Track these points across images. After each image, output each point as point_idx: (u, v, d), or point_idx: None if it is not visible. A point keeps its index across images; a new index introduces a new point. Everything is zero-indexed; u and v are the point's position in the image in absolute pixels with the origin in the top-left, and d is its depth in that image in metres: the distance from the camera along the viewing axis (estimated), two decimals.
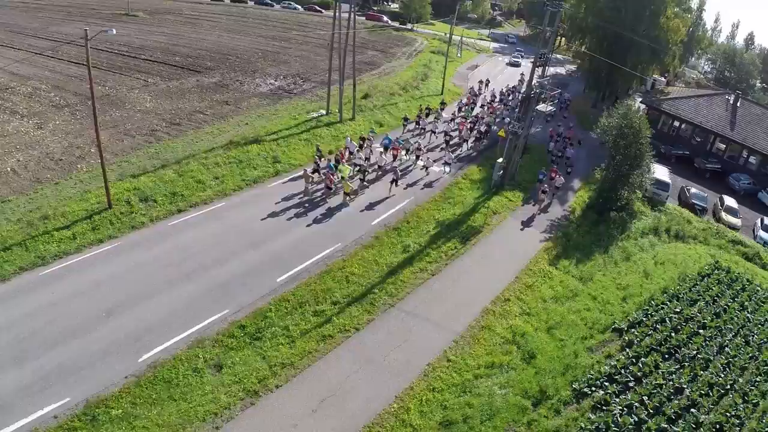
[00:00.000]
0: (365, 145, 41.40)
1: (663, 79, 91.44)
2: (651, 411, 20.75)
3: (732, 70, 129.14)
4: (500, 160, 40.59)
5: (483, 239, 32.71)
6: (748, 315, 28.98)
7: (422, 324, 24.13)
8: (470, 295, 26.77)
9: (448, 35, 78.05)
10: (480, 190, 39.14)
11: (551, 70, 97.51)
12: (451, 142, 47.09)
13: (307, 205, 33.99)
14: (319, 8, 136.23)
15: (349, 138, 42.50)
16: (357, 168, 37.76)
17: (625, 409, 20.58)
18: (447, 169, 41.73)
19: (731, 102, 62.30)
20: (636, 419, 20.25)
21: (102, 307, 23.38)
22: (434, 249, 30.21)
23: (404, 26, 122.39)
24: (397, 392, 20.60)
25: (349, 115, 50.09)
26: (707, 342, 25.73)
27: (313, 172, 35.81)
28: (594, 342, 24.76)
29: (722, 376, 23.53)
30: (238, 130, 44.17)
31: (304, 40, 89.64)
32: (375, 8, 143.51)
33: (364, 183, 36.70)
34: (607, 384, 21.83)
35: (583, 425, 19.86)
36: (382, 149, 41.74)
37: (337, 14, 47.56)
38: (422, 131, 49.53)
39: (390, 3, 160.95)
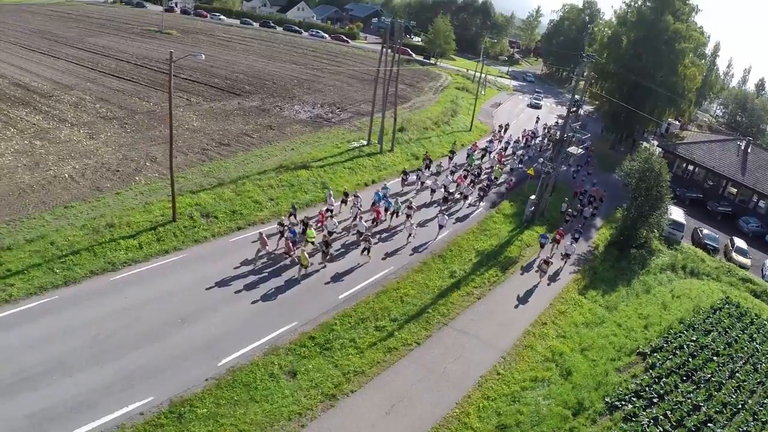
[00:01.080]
0: (350, 203, 39.07)
1: (677, 122, 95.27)
2: (674, 424, 24.05)
3: (743, 115, 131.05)
4: (532, 197, 44.18)
5: (519, 269, 36.21)
6: (757, 346, 32.34)
7: (473, 341, 27.53)
8: (512, 317, 30.22)
9: (470, 71, 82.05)
10: (513, 224, 42.68)
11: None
12: (449, 200, 43.84)
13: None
14: (345, 38, 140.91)
15: (330, 192, 39.45)
16: (326, 236, 33.16)
17: (651, 421, 23.88)
18: (442, 233, 38.85)
19: (742, 148, 65.70)
20: (661, 430, 23.55)
21: (176, 314, 25.71)
22: (478, 275, 33.70)
23: (428, 61, 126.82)
24: (457, 399, 23.83)
25: (388, 146, 53.60)
26: (720, 367, 29.06)
27: (280, 237, 32.81)
28: (621, 363, 28.14)
29: (734, 396, 26.85)
30: (286, 155, 47.45)
31: (335, 70, 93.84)
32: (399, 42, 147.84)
33: (327, 255, 32.03)
34: (634, 399, 25.17)
35: None
36: (361, 212, 37.95)
37: (383, 50, 51.36)
38: (422, 185, 46.64)
39: (412, 36, 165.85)
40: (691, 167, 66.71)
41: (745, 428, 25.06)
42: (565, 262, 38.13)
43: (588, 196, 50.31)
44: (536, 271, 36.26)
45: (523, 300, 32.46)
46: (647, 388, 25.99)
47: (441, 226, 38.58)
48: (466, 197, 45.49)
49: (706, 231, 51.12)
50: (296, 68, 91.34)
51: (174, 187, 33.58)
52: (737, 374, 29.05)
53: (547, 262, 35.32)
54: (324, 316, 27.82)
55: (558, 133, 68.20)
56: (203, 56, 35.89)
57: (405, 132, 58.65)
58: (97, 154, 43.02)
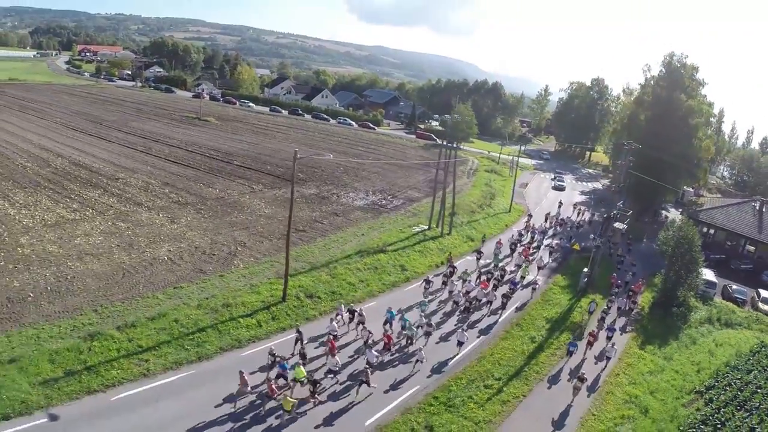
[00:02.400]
0: (357, 325, 36.58)
1: (691, 190, 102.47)
2: None
3: (750, 175, 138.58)
4: (585, 269, 51.34)
5: (587, 333, 42.91)
6: None
7: (566, 390, 34.02)
8: (591, 370, 36.75)
9: (491, 153, 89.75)
10: (569, 293, 49.55)
11: (589, 185, 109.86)
12: (470, 309, 42.44)
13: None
14: (372, 125, 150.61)
15: (342, 306, 38.06)
16: (310, 376, 29.66)
17: None
18: (463, 350, 36.86)
19: (757, 208, 72.67)
20: None
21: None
22: (554, 339, 40.44)
23: (452, 145, 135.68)
24: None
25: (446, 230, 60.95)
26: (765, 398, 35.37)
27: (270, 370, 30.45)
28: (684, 401, 34.56)
29: None
30: (359, 240, 53.96)
31: (374, 157, 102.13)
32: (421, 126, 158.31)
33: (316, 397, 28.96)
34: (702, 427, 31.52)
35: None
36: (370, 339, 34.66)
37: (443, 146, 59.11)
38: (450, 294, 44.72)
39: (431, 121, 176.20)
40: (711, 231, 73.40)
41: None
42: (606, 365, 37.77)
43: (628, 290, 50.88)
44: (569, 381, 35.31)
45: (599, 357, 38.61)
46: (710, 418, 32.29)
47: (461, 343, 36.38)
48: (489, 303, 43.52)
49: (735, 287, 57.72)
50: (336, 155, 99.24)
51: (288, 271, 39.26)
52: None
53: (581, 379, 33.43)
54: (441, 378, 34.01)
55: (585, 211, 75.23)
56: (331, 156, 42.91)
57: (456, 216, 65.72)
58: (186, 238, 48.30)
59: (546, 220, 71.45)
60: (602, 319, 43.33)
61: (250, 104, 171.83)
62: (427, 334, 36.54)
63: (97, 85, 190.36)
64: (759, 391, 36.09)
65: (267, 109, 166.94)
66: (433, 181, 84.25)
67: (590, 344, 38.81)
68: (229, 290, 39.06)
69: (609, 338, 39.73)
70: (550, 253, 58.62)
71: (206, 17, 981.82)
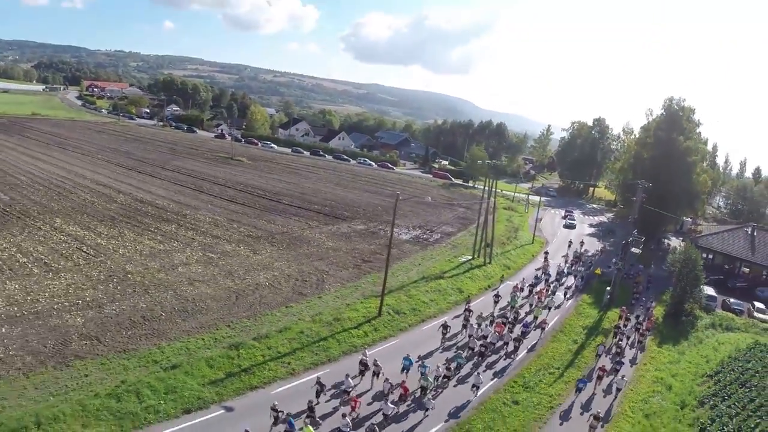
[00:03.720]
0: (373, 376, 37.32)
1: (689, 219, 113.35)
2: (740, 410, 40.37)
3: (744, 203, 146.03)
4: (608, 288, 62.12)
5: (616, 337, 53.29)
6: None
7: (609, 377, 44.35)
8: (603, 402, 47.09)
9: (503, 191, 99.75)
10: (596, 308, 60.12)
11: (596, 219, 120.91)
12: (485, 354, 43.79)
13: None
14: (390, 165, 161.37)
15: (366, 352, 39.53)
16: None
17: (727, 407, 40.43)
18: (476, 394, 37.41)
19: (749, 233, 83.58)
20: (734, 412, 39.94)
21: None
22: (591, 341, 50.82)
23: (467, 184, 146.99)
24: (618, 403, 40.14)
25: (487, 260, 71.56)
26: (760, 380, 45.71)
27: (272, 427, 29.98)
28: (698, 381, 44.95)
29: None
30: (419, 269, 63.62)
31: (403, 196, 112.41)
32: (436, 166, 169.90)
33: None
34: (713, 398, 41.88)
35: (709, 415, 39.72)
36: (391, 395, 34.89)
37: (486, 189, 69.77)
38: (469, 338, 45.98)
39: (442, 161, 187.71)
40: (710, 255, 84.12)
41: None
42: (616, 397, 40.73)
43: (640, 322, 54.91)
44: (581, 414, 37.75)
45: (607, 391, 42.37)
46: (719, 392, 42.65)
47: (476, 387, 37.40)
48: (505, 344, 45.88)
49: (733, 300, 68.37)
50: (369, 195, 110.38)
51: (384, 291, 48.99)
52: None
53: (597, 418, 34.71)
54: None
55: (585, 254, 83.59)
56: (430, 199, 52.70)
57: (491, 248, 76.20)
58: (274, 267, 56.34)
59: (565, 262, 76.52)
60: (616, 353, 47.39)
61: (272, 145, 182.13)
62: (444, 385, 38.22)
63: (120, 123, 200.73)
64: (756, 374, 46.51)
65: (288, 149, 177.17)
66: (461, 217, 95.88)
67: (600, 378, 41.34)
68: (331, 308, 47.64)
69: (617, 371, 43.10)
70: (565, 294, 62.46)
71: (204, 55, 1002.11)
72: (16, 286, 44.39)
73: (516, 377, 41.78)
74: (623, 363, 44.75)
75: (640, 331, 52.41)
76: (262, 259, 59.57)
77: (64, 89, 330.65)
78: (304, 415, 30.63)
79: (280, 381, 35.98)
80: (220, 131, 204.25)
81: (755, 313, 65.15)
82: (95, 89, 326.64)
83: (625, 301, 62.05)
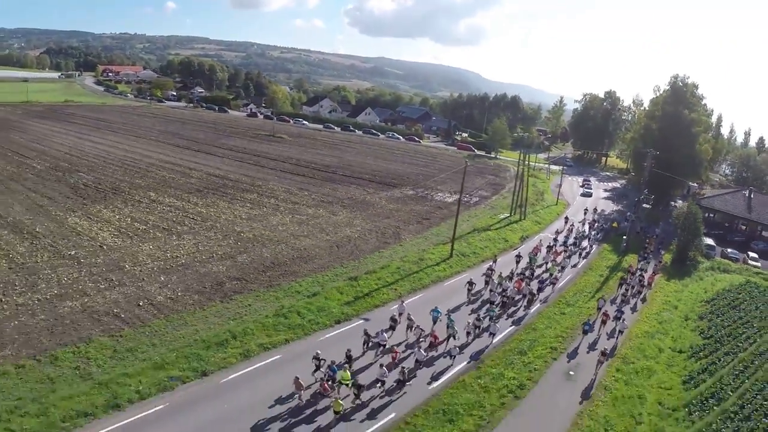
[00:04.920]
0: (407, 329, 41.68)
1: (696, 185, 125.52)
2: (731, 323, 52.95)
3: (748, 171, 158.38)
4: (624, 237, 74.95)
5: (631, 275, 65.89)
6: (760, 299, 61.68)
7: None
8: (639, 290, 60.00)
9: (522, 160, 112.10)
10: (616, 253, 72.81)
11: (610, 185, 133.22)
12: (507, 305, 49.35)
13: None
14: (417, 138, 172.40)
15: (403, 302, 45.23)
16: (355, 380, 32.73)
17: (721, 320, 53.14)
18: (495, 340, 42.35)
19: (747, 195, 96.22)
20: (727, 325, 52.55)
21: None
22: (614, 276, 63.22)
23: (489, 155, 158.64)
24: (636, 318, 53.37)
25: (522, 217, 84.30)
26: (747, 305, 58.36)
27: (314, 372, 33.87)
28: (698, 304, 57.72)
29: (756, 313, 56.03)
30: (468, 224, 75.69)
31: (437, 167, 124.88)
32: (458, 138, 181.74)
33: (359, 399, 32.15)
34: (710, 315, 54.61)
35: (706, 325, 52.52)
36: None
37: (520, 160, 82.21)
38: (491, 293, 50.68)
39: (461, 134, 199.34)
40: (712, 214, 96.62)
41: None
42: (618, 338, 45.81)
43: (641, 277, 60.81)
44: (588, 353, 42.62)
45: (611, 334, 47.02)
46: (714, 311, 55.44)
47: (492, 334, 42.10)
48: (524, 296, 51.14)
49: (730, 250, 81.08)
50: (406, 166, 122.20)
51: (454, 239, 62.44)
52: (759, 308, 58.50)
53: (603, 353, 39.36)
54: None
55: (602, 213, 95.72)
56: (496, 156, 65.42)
57: (524, 207, 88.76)
58: (354, 225, 68.00)
59: (583, 225, 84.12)
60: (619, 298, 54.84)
61: (304, 122, 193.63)
62: (469, 333, 41.87)
63: (152, 106, 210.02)
64: (744, 301, 59.29)
65: (320, 126, 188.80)
66: (492, 184, 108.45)
67: (604, 323, 46.67)
68: (413, 252, 60.08)
69: (618, 318, 47.69)
70: (580, 254, 69.86)
71: (210, 34, 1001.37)
72: (151, 246, 55.95)
73: (559, 298, 54.45)
74: (623, 312, 50.20)
75: (642, 283, 59.42)
76: (343, 219, 71.46)
77: (79, 75, 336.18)
78: (344, 362, 34.53)
79: (391, 302, 47.53)
80: (250, 110, 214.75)
81: (749, 261, 77.65)
82: (110, 73, 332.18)
83: (636, 251, 74.17)
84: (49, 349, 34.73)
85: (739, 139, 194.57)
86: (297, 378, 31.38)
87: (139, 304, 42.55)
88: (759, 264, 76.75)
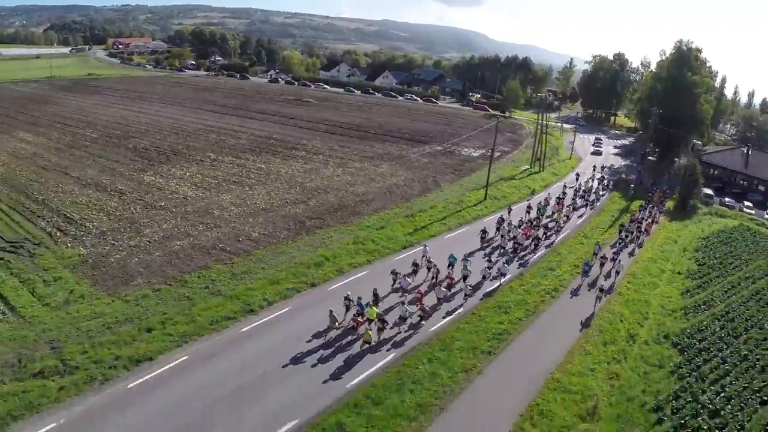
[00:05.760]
0: (428, 272, 46.63)
1: (700, 143, 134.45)
2: (723, 254, 63.07)
3: (751, 131, 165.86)
4: (632, 185, 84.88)
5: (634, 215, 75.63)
6: (757, 240, 71.28)
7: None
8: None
9: (541, 120, 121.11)
10: (624, 199, 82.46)
11: (620, 142, 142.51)
12: (518, 249, 53.94)
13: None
14: (434, 100, 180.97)
15: (426, 248, 49.32)
16: (380, 314, 37.27)
17: (715, 253, 63.33)
18: (504, 280, 47.24)
19: (745, 152, 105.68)
20: (718, 254, 62.74)
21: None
22: (625, 216, 72.49)
23: (504, 114, 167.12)
24: (635, 259, 63.50)
25: (541, 169, 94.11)
26: (739, 242, 68.00)
27: (347, 312, 38.14)
28: (695, 240, 67.41)
29: (750, 249, 66.06)
30: (495, 174, 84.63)
31: (459, 124, 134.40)
32: (473, 99, 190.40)
33: (383, 332, 36.19)
34: (705, 248, 64.55)
35: (702, 255, 62.58)
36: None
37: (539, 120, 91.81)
38: (502, 239, 55.83)
39: (475, 94, 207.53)
40: (712, 170, 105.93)
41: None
42: (616, 278, 50.33)
43: (637, 223, 66.04)
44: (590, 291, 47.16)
45: (608, 275, 50.94)
46: (709, 245, 65.31)
47: (503, 274, 46.72)
48: (533, 240, 56.19)
49: (727, 199, 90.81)
50: (427, 125, 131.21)
51: (488, 183, 73.05)
52: (748, 245, 68.18)
53: (602, 290, 44.57)
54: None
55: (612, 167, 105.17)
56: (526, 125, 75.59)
57: (543, 160, 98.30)
58: (397, 175, 78.42)
59: (592, 180, 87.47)
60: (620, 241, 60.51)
61: (325, 86, 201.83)
62: (485, 276, 46.23)
63: (174, 76, 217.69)
64: (736, 239, 69.07)
65: (340, 89, 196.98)
66: (510, 140, 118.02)
67: (602, 265, 51.53)
68: (453, 196, 70.68)
69: (614, 260, 52.24)
70: (586, 205, 74.68)
71: (212, 2, 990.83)
72: (229, 196, 65.82)
73: (579, 232, 64.50)
74: (620, 254, 55.36)
75: (640, 230, 64.30)
76: (386, 170, 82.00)
77: (89, 49, 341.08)
78: (371, 300, 38.76)
79: (445, 233, 58.48)
80: (270, 76, 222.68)
81: (744, 209, 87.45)
82: (120, 46, 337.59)
83: (642, 199, 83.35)
84: (175, 276, 44.25)
85: (744, 100, 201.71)
86: (331, 311, 36.64)
87: (239, 240, 52.72)
88: (753, 212, 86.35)
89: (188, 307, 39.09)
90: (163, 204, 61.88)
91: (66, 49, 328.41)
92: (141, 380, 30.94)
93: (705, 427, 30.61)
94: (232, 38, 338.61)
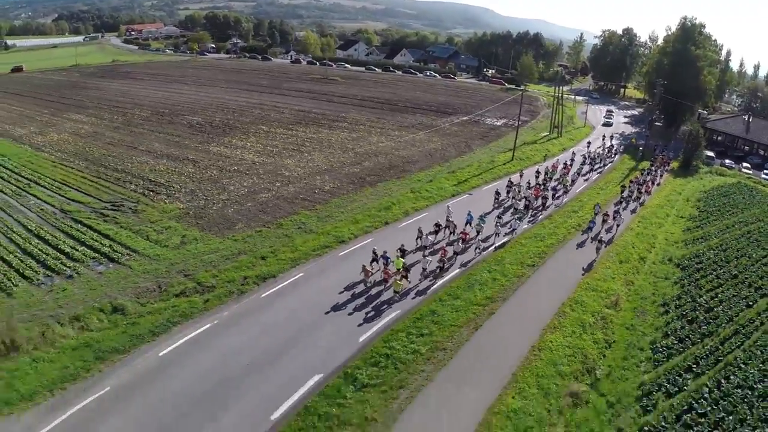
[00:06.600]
0: (450, 226, 50.79)
1: (705, 112, 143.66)
2: (720, 204, 73.23)
3: (756, 101, 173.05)
4: (640, 149, 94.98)
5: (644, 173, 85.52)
6: (746, 193, 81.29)
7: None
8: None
9: (549, 93, 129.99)
10: (633, 161, 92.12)
11: (630, 112, 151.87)
12: (529, 207, 59.13)
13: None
14: (452, 76, 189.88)
15: (450, 209, 54.06)
16: (405, 264, 41.49)
17: (713, 203, 73.58)
18: (515, 235, 52.60)
19: (746, 119, 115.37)
20: (717, 204, 72.95)
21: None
22: (633, 173, 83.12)
23: (519, 88, 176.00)
24: (634, 219, 73.76)
25: (559, 135, 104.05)
26: (737, 197, 77.82)
27: (371, 262, 41.80)
28: (697, 192, 77.40)
29: (742, 205, 76.16)
30: (519, 139, 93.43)
31: (480, 98, 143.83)
32: (489, 75, 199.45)
33: (407, 280, 40.10)
34: (706, 199, 74.76)
35: (703, 204, 72.82)
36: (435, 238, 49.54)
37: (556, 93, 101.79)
38: (513, 200, 61.27)
39: (490, 70, 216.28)
40: (716, 135, 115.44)
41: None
42: (617, 230, 56.51)
43: (638, 184, 70.76)
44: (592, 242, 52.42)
45: (609, 230, 56.74)
46: (709, 197, 75.19)
47: (514, 230, 52.19)
48: (542, 198, 61.49)
49: (728, 161, 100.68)
50: (451, 99, 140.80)
51: (515, 146, 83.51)
52: (745, 198, 77.91)
53: (601, 241, 50.63)
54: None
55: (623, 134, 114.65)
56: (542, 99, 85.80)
57: (560, 127, 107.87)
58: (433, 141, 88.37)
59: (602, 148, 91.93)
60: (621, 201, 64.54)
61: (346, 65, 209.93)
62: (497, 234, 50.94)
63: (198, 59, 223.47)
64: (733, 193, 78.64)
65: (362, 68, 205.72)
66: (528, 111, 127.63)
67: (604, 221, 56.28)
68: (484, 158, 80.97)
69: (615, 217, 57.18)
70: (593, 168, 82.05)
71: None
72: (292, 161, 75.68)
73: (594, 186, 74.50)
74: (620, 212, 59.63)
75: (641, 190, 69.11)
76: (423, 138, 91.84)
77: (102, 36, 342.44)
78: (398, 252, 43.67)
79: (482, 185, 68.95)
80: (291, 57, 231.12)
81: (743, 170, 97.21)
82: (133, 32, 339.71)
83: (649, 160, 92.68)
84: (270, 221, 53.83)
85: (750, 71, 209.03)
86: (364, 266, 40.66)
87: (315, 192, 62.95)
88: (750, 172, 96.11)
89: (289, 242, 48.14)
90: (236, 168, 71.17)
91: (79, 38, 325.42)
92: (270, 291, 39.80)
93: (701, 318, 41.06)
94: (245, 21, 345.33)
